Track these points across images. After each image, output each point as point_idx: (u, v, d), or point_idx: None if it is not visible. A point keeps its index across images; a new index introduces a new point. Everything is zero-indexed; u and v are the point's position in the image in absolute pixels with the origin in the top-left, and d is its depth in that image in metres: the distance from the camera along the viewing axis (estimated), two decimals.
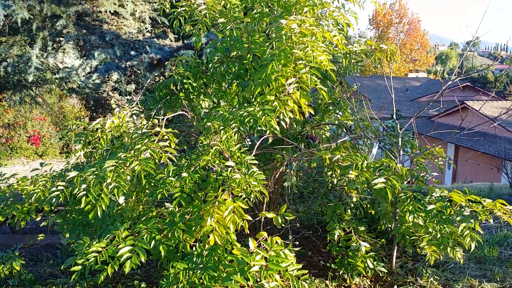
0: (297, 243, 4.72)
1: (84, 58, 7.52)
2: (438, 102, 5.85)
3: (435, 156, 4.87)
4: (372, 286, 4.22)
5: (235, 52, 4.73)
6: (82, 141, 4.13)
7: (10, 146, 20.19)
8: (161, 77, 9.11)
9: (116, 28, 8.79)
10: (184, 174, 3.62)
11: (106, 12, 8.40)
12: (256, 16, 4.59)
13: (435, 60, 47.11)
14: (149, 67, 7.06)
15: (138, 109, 4.49)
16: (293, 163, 4.57)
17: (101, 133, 4.00)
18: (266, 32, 4.54)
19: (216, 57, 4.71)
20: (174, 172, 3.70)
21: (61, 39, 7.30)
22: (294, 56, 3.87)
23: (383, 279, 4.33)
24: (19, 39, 7.37)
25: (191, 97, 4.84)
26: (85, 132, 4.17)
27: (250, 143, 5.27)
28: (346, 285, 4.26)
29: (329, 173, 4.16)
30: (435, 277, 4.29)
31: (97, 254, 3.29)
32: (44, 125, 21.03)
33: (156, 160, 3.59)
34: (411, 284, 4.21)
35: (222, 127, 3.96)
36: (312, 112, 4.36)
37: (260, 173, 3.63)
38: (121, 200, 3.91)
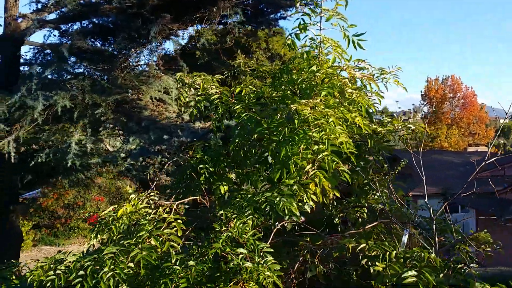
0: None
1: (122, 143, 7.76)
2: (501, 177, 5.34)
3: (480, 242, 4.36)
4: None
5: (255, 136, 4.63)
6: (95, 229, 4.03)
7: (69, 226, 20.88)
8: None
9: (158, 113, 9.13)
10: (191, 263, 3.37)
11: (149, 99, 8.80)
12: (276, 98, 4.54)
13: (496, 133, 45.24)
14: (177, 150, 7.16)
15: (155, 194, 4.39)
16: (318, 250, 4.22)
17: (113, 220, 3.90)
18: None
19: (236, 141, 4.63)
20: (182, 260, 3.47)
21: (101, 126, 7.65)
22: (311, 139, 3.70)
23: None
24: (61, 127, 7.78)
25: (211, 180, 4.73)
26: (100, 220, 4.09)
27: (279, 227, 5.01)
28: None
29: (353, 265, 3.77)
30: None
31: None
32: (101, 205, 21.69)
33: (160, 249, 3.40)
34: None
35: (235, 215, 3.75)
36: (338, 195, 4.09)
37: (275, 263, 3.32)
38: None
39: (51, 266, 3.60)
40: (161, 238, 3.38)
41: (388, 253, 3.41)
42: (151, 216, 3.84)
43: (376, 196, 4.91)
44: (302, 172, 3.76)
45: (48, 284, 3.33)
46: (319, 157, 3.65)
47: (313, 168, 3.65)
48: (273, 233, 3.83)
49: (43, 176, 11.13)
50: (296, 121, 3.71)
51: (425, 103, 46.71)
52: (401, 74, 4.49)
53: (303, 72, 4.46)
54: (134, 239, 3.39)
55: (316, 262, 4.23)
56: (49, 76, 6.95)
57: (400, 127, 4.42)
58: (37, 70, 6.94)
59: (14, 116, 7.38)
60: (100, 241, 4.35)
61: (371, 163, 5.22)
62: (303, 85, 4.40)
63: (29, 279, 3.51)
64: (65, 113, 7.39)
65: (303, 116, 3.71)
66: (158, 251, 3.40)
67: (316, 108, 3.70)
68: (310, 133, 3.67)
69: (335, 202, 5.14)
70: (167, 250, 3.48)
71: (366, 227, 4.17)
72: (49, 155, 7.83)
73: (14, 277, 3.74)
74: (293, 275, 4.16)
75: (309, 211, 4.42)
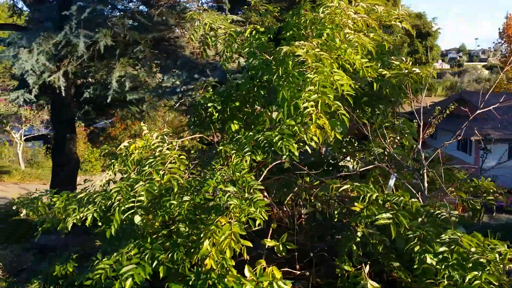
0: (308, 273, 4.52)
1: (160, 80, 8.12)
2: None
3: (482, 191, 4.36)
4: None
5: (266, 77, 4.75)
6: (113, 163, 4.44)
7: None
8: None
9: (199, 52, 9.31)
10: (185, 198, 3.71)
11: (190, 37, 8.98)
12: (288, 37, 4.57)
13: None
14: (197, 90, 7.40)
15: (168, 131, 4.71)
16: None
17: (126, 155, 4.27)
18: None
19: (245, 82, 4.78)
20: (180, 195, 3.82)
21: (140, 63, 8.02)
22: (309, 82, 3.78)
23: None
24: (105, 64, 8.25)
25: (223, 120, 4.97)
26: (116, 154, 4.49)
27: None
28: None
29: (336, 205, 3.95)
30: None
31: (103, 271, 3.54)
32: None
33: (162, 182, 3.72)
34: None
35: (234, 151, 3.99)
36: (340, 137, 4.20)
37: (262, 200, 3.57)
38: (137, 219, 4.12)
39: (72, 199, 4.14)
40: (162, 172, 3.70)
41: (369, 195, 3.55)
42: (157, 152, 4.17)
43: (389, 140, 4.96)
44: (304, 114, 3.87)
45: (68, 218, 3.85)
46: (313, 97, 3.71)
47: (315, 110, 3.75)
48: (266, 171, 4.05)
49: (100, 108, 11.81)
50: (290, 63, 3.79)
51: (503, 41, 42.88)
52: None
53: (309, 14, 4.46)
54: (140, 175, 3.77)
55: (312, 200, 4.46)
56: (90, 15, 7.30)
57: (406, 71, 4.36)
58: (79, 5, 7.28)
59: (62, 53, 7.90)
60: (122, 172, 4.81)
61: (386, 108, 5.21)
62: (308, 27, 4.43)
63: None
64: (108, 51, 7.82)
65: (298, 59, 3.78)
66: (161, 184, 3.74)
67: (310, 51, 3.75)
68: (306, 76, 3.74)
69: (346, 145, 5.25)
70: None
71: (360, 169, 4.28)
72: (96, 90, 8.43)
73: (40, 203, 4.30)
74: (287, 210, 4.43)
75: (309, 151, 4.59)
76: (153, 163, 3.83)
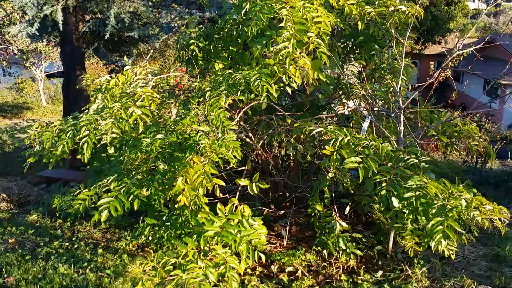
0: (282, 212, 4.60)
1: (155, 18, 7.94)
2: None
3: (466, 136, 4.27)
4: (355, 266, 3.98)
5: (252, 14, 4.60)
6: (93, 97, 4.44)
7: None
8: None
9: None
10: (158, 136, 3.74)
11: None
12: None
13: None
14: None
15: (150, 67, 4.66)
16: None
17: (105, 89, 4.27)
18: None
19: (231, 20, 4.63)
20: (155, 133, 3.86)
21: None
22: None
23: (373, 261, 4.05)
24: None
25: (209, 59, 4.87)
26: (96, 88, 4.48)
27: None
28: (328, 261, 4.08)
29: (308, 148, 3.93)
30: (428, 269, 3.87)
31: (82, 202, 3.66)
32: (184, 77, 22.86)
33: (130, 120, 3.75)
34: (398, 271, 3.86)
35: (208, 89, 3.96)
36: (323, 77, 4.11)
37: (234, 140, 3.56)
38: (111, 150, 4.22)
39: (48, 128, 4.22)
40: (130, 110, 3.71)
41: (340, 139, 3.51)
42: (130, 89, 4.15)
43: (385, 82, 4.83)
44: (283, 53, 3.76)
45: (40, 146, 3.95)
46: (284, 35, 3.61)
47: (297, 50, 3.66)
48: (241, 111, 4.02)
49: (112, 45, 11.68)
50: None
51: None
52: None
53: None
54: (110, 110, 3.79)
55: (292, 142, 4.44)
56: None
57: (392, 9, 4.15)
58: None
59: None
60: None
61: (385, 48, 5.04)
62: None
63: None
64: None
65: None
66: (129, 122, 3.78)
67: None
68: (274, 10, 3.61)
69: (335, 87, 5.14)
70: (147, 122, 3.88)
71: (339, 111, 4.21)
72: (96, 24, 8.34)
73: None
74: (274, 151, 4.41)
75: (289, 92, 4.52)
76: (123, 100, 3.83)
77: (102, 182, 3.85)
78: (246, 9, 3.69)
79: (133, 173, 4.13)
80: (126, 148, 3.99)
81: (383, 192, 3.31)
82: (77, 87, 8.93)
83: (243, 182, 3.81)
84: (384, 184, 3.32)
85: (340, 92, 5.00)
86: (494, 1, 5.60)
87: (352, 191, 4.14)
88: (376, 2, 4.20)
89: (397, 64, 4.80)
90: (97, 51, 11.62)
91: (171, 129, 3.91)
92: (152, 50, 13.14)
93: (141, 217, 3.96)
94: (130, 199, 3.68)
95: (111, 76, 4.39)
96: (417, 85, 4.55)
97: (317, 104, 4.84)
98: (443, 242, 3.10)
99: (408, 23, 4.10)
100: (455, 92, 7.40)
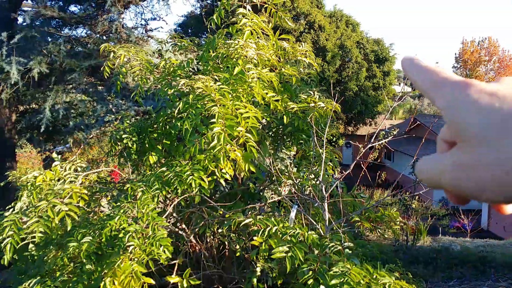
0: None
1: (92, 108, 8.06)
2: None
3: (390, 220, 4.50)
4: None
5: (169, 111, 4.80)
6: (19, 194, 4.33)
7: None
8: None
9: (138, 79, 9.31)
10: (86, 239, 3.66)
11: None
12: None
13: None
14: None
15: (81, 162, 4.65)
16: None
17: (31, 186, 4.18)
18: None
19: (165, 116, 4.81)
20: (83, 234, 3.77)
21: (74, 91, 7.94)
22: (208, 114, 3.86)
23: None
24: (39, 92, 8.12)
25: (143, 150, 4.95)
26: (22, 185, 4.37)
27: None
28: None
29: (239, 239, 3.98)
30: None
31: None
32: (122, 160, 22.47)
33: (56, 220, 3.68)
34: None
35: (141, 189, 3.99)
36: (254, 169, 4.27)
37: (165, 238, 3.55)
38: (34, 251, 4.07)
39: None
40: (57, 209, 3.65)
41: (268, 228, 3.60)
42: (58, 185, 4.10)
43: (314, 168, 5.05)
44: (215, 147, 3.92)
45: None
46: (215, 130, 3.79)
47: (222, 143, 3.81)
48: (172, 206, 4.06)
49: (47, 134, 11.52)
50: (191, 96, 3.87)
51: (458, 65, 44.67)
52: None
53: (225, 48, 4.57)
54: (36, 209, 3.70)
55: (224, 232, 4.46)
56: (23, 41, 7.19)
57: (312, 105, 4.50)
58: (9, 34, 7.18)
59: None
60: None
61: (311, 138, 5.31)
62: (224, 61, 4.53)
63: None
64: (46, 77, 7.71)
65: (198, 92, 3.87)
66: (55, 222, 3.69)
67: (208, 85, 3.84)
68: (206, 108, 3.81)
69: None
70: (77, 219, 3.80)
71: (268, 201, 4.35)
72: (32, 118, 8.26)
73: None
74: (207, 242, 4.41)
75: (223, 185, 4.64)
76: (49, 198, 3.78)
77: (22, 286, 3.67)
78: (179, 108, 3.87)
79: (57, 274, 3.98)
80: (52, 247, 3.87)
81: (310, 282, 3.38)
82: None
83: (173, 279, 3.75)
84: (311, 272, 3.40)
85: (273, 179, 5.19)
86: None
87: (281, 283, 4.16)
88: (299, 100, 4.54)
89: (322, 151, 5.11)
90: (31, 140, 11.43)
91: (98, 230, 3.86)
92: (87, 139, 13.06)
93: None
94: None
95: (41, 172, 4.32)
96: (352, 165, 4.83)
97: (250, 192, 4.97)
98: None
99: (327, 116, 4.44)
100: (384, 172, 7.88)
